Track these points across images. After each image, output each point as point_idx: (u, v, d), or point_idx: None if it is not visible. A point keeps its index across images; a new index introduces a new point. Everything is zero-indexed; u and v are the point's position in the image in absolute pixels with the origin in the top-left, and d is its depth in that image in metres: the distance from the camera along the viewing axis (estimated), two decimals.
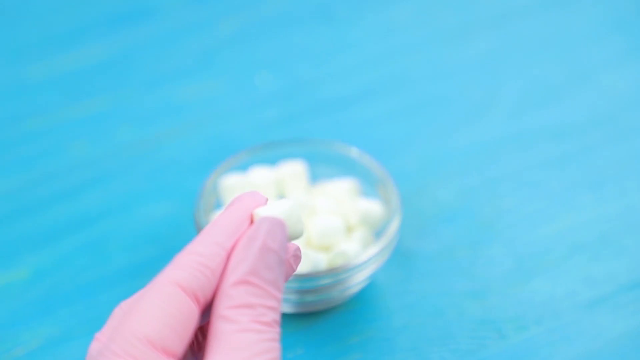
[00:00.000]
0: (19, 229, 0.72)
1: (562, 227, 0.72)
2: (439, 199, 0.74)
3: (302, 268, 0.64)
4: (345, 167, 0.71)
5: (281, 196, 0.69)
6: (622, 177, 0.75)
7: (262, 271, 0.45)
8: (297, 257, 0.48)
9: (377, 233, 0.68)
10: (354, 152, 0.71)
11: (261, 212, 0.47)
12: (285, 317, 0.66)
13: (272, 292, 0.45)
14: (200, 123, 0.80)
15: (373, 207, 0.68)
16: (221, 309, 0.44)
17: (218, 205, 0.68)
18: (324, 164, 0.71)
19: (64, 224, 0.73)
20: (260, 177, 0.69)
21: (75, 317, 0.67)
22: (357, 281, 0.65)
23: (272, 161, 0.70)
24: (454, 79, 0.83)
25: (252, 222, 0.48)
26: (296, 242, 0.64)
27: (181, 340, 0.44)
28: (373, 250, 0.64)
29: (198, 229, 0.65)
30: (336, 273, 0.63)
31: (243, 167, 0.70)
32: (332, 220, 0.65)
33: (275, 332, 0.44)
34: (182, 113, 0.81)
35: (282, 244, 0.46)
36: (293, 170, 0.69)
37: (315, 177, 0.71)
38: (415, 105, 0.81)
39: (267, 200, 0.48)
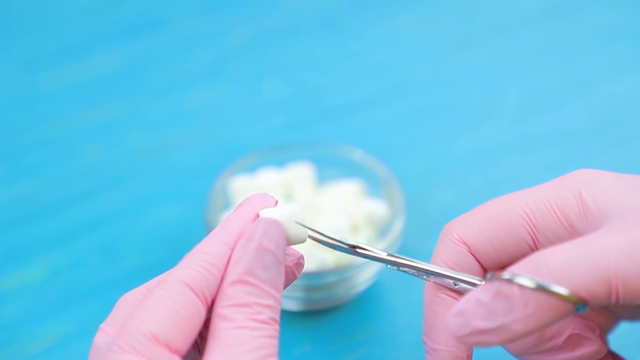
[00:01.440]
0: (35, 231, 0.73)
1: None
2: (442, 201, 0.74)
3: (309, 266, 0.64)
4: (350, 169, 0.71)
5: (289, 197, 0.69)
6: None
7: (258, 270, 0.45)
8: (300, 264, 0.48)
9: (382, 233, 0.68)
10: (359, 154, 0.71)
11: (263, 213, 0.47)
12: (293, 314, 0.67)
13: (268, 290, 0.45)
14: (210, 129, 0.80)
15: (378, 207, 0.68)
16: (219, 308, 0.44)
17: (227, 206, 0.69)
18: (330, 166, 0.71)
19: (78, 226, 0.73)
20: (268, 179, 0.69)
21: (89, 315, 0.68)
22: (362, 279, 0.66)
23: (279, 163, 0.71)
24: (458, 86, 0.83)
25: None
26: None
27: (185, 336, 0.44)
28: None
29: (208, 229, 0.65)
30: (342, 271, 0.64)
31: (251, 169, 0.70)
32: (338, 220, 0.66)
33: (272, 329, 0.44)
34: (192, 119, 0.81)
35: (278, 244, 0.46)
36: (300, 172, 0.69)
37: (322, 179, 0.71)
38: (420, 111, 0.81)
39: (276, 202, 0.48)
